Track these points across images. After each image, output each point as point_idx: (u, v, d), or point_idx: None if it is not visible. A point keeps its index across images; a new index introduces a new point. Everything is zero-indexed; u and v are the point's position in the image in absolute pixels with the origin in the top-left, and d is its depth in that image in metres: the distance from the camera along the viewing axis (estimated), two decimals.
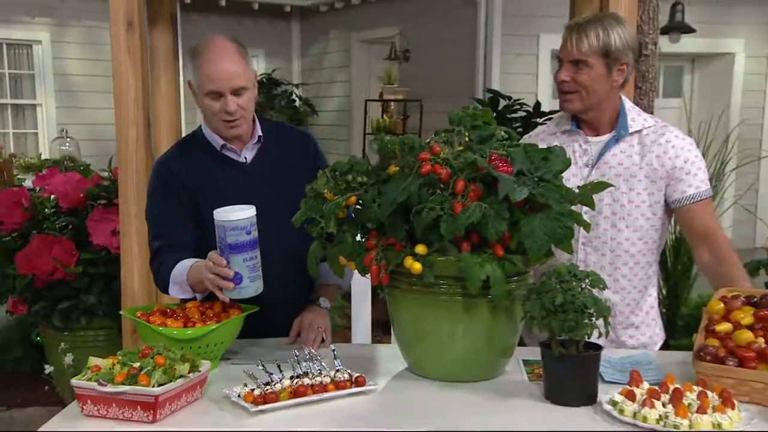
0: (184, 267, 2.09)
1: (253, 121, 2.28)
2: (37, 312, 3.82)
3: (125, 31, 2.85)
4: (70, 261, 3.68)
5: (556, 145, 1.94)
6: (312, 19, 10.29)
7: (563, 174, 1.85)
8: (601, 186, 1.94)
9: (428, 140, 1.89)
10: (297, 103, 9.73)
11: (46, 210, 3.89)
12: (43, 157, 8.84)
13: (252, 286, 1.92)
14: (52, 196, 3.88)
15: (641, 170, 2.22)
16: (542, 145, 2.19)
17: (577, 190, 1.91)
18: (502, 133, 1.95)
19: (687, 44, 7.67)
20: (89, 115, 9.18)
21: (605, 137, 2.26)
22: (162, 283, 2.19)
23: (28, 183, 5.73)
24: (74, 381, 1.68)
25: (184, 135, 2.79)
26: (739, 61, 8.52)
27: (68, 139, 8.74)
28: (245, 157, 2.27)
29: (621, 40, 2.14)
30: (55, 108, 9.13)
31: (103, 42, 9.12)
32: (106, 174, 4.21)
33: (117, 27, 2.84)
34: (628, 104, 2.29)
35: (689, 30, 7.41)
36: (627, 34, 2.18)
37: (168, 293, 2.18)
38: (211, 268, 1.91)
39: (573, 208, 1.83)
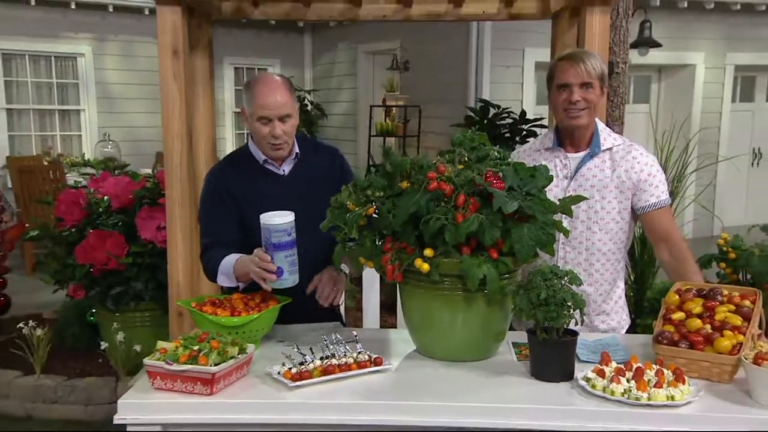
0: (230, 260, 2.20)
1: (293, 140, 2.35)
2: (93, 296, 3.87)
3: (171, 58, 2.86)
4: (121, 253, 3.73)
5: (541, 164, 2.02)
6: (322, 32, 10.25)
7: None
8: (578, 199, 2.04)
9: (434, 161, 1.96)
10: (309, 108, 9.68)
11: (100, 209, 3.94)
12: (86, 157, 8.88)
13: (290, 279, 2.05)
14: (105, 197, 3.92)
15: (612, 182, 2.30)
16: (529, 160, 2.30)
17: (557, 200, 2.00)
18: (496, 153, 2.01)
19: (654, 57, 7.70)
20: (127, 119, 9.18)
21: (581, 154, 2.34)
22: (211, 273, 2.30)
23: (72, 180, 5.81)
24: (146, 360, 1.77)
25: (216, 143, 2.87)
26: (700, 72, 8.53)
27: (110, 142, 8.78)
28: (284, 170, 2.35)
29: (605, 69, 2.30)
30: (96, 113, 9.11)
31: (138, 54, 9.18)
32: (148, 171, 4.27)
33: (164, 55, 2.86)
34: (601, 125, 2.38)
35: (656, 44, 7.46)
36: (605, 66, 2.34)
37: (216, 282, 2.28)
38: (257, 263, 2.02)
39: (555, 216, 1.93)
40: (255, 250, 2.07)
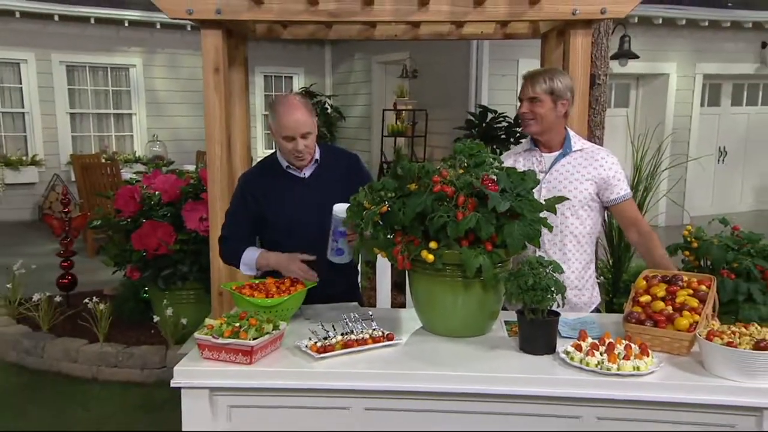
0: (252, 255, 2.30)
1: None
2: (147, 277, 3.95)
3: (213, 74, 2.90)
4: (170, 240, 3.81)
5: (529, 170, 2.06)
6: (341, 45, 10.20)
7: None
8: (560, 199, 2.06)
9: (438, 167, 1.99)
10: (329, 111, 9.70)
11: (152, 202, 4.00)
12: (137, 154, 8.96)
13: (348, 257, 2.21)
14: (157, 192, 3.99)
15: (582, 176, 2.33)
16: (511, 160, 2.39)
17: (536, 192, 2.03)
18: (491, 159, 2.03)
19: (632, 67, 7.65)
20: (171, 122, 9.25)
21: (555, 153, 2.38)
22: (227, 259, 2.43)
23: (127, 175, 5.87)
24: (196, 334, 1.82)
25: (250, 147, 2.93)
26: (672, 80, 8.46)
27: (157, 142, 8.86)
28: (304, 174, 2.37)
29: (562, 84, 2.31)
30: (146, 116, 9.19)
31: (181, 65, 9.24)
32: (189, 167, 4.31)
33: (207, 71, 2.90)
34: (572, 132, 2.42)
35: (634, 56, 7.42)
36: (566, 81, 2.34)
37: (238, 268, 2.38)
38: (302, 270, 2.20)
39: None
40: (296, 259, 2.21)
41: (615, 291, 4.38)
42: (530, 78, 2.34)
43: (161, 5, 2.82)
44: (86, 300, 4.06)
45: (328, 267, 2.26)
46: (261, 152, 10.50)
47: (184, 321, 3.84)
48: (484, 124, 6.09)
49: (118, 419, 3.41)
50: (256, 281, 2.20)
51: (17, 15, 8.13)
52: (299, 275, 2.19)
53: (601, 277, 4.38)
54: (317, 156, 2.39)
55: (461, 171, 1.98)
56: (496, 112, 6.18)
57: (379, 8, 2.83)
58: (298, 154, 2.27)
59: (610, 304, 4.36)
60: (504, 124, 6.09)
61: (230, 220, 2.45)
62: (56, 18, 8.31)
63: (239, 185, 2.46)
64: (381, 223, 1.99)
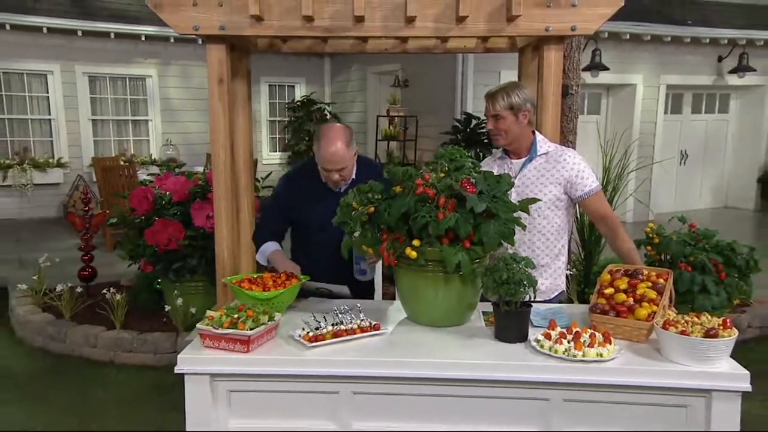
0: (269, 248, 2.37)
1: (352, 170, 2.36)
2: (159, 270, 3.91)
3: (217, 85, 2.84)
4: (180, 236, 3.77)
5: (505, 173, 2.05)
6: (338, 57, 10.16)
7: None
8: (532, 201, 2.04)
9: (421, 170, 1.98)
10: (328, 117, 9.68)
11: (163, 201, 3.96)
12: (153, 157, 8.91)
13: (371, 275, 2.35)
14: (167, 192, 3.95)
15: (547, 179, 2.30)
16: (487, 168, 2.36)
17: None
18: (470, 163, 2.02)
19: (603, 78, 7.66)
20: (184, 127, 9.21)
21: (523, 159, 2.35)
22: (255, 244, 2.48)
23: (143, 176, 5.83)
24: (198, 325, 1.80)
25: (254, 149, 2.93)
26: (639, 90, 8.45)
27: (171, 146, 8.81)
28: (340, 189, 2.36)
29: (519, 98, 2.28)
30: (161, 122, 9.13)
31: (193, 75, 9.18)
32: (199, 169, 4.27)
33: (212, 82, 2.82)
34: (539, 137, 2.38)
35: (604, 68, 7.41)
36: (523, 94, 2.31)
37: (256, 255, 2.44)
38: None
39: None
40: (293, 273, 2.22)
41: (586, 282, 4.36)
42: (490, 97, 2.32)
43: (171, 22, 2.78)
44: (104, 291, 4.03)
45: (349, 276, 2.33)
46: (266, 155, 10.46)
47: (193, 310, 3.81)
48: (468, 130, 6.08)
49: (132, 398, 3.39)
50: (255, 275, 2.18)
51: (44, 30, 8.10)
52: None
53: (573, 270, 4.36)
54: (353, 176, 2.38)
55: (442, 174, 1.96)
56: (479, 118, 6.16)
57: (369, 24, 2.79)
58: (334, 183, 2.31)
59: (582, 294, 4.35)
60: (486, 129, 6.05)
61: (267, 211, 2.55)
62: (80, 33, 8.27)
63: (282, 182, 2.52)
64: (369, 222, 1.97)
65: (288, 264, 2.31)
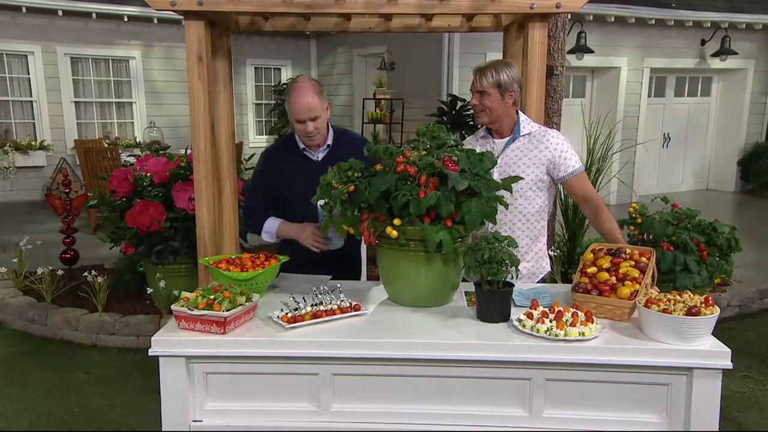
0: (273, 224, 2.32)
1: (327, 130, 2.33)
2: (141, 252, 3.84)
3: (197, 63, 2.74)
4: (161, 218, 3.69)
5: (487, 150, 1.99)
6: (325, 39, 10.06)
7: None
8: (515, 179, 1.99)
9: (402, 147, 1.92)
10: None
11: (144, 183, 3.88)
12: (137, 140, 8.74)
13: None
14: (148, 174, 3.86)
15: (530, 159, 2.24)
16: (470, 145, 2.29)
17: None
18: (452, 141, 1.96)
19: (588, 60, 7.62)
20: (168, 109, 9.06)
21: (506, 139, 2.30)
22: (252, 229, 2.42)
23: (127, 158, 5.71)
24: (173, 307, 1.74)
25: (235, 131, 2.86)
26: (623, 73, 8.44)
27: (155, 128, 8.65)
28: (317, 156, 2.33)
29: (508, 77, 2.21)
30: (145, 105, 8.97)
31: (177, 57, 9.00)
32: (182, 152, 4.18)
33: (191, 60, 2.71)
34: (523, 117, 2.31)
35: (589, 51, 7.37)
36: (512, 73, 2.24)
37: (255, 234, 2.39)
38: (314, 238, 2.19)
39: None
40: (308, 226, 2.21)
41: (570, 263, 4.35)
42: (479, 72, 2.24)
43: None
44: (86, 273, 3.94)
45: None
46: (252, 138, 10.31)
47: (176, 293, 3.66)
48: (454, 112, 6.01)
49: (113, 380, 3.32)
50: (233, 256, 2.12)
51: (24, 10, 7.87)
52: (311, 242, 2.21)
53: (557, 251, 4.34)
54: (329, 141, 2.33)
55: (424, 152, 1.90)
56: (465, 100, 6.09)
57: (351, 1, 2.71)
58: (309, 134, 2.25)
59: (566, 275, 4.34)
60: (472, 111, 5.99)
61: (251, 193, 2.46)
62: (60, 13, 8.05)
63: (260, 162, 2.46)
64: (349, 201, 1.91)
65: (297, 228, 2.27)
